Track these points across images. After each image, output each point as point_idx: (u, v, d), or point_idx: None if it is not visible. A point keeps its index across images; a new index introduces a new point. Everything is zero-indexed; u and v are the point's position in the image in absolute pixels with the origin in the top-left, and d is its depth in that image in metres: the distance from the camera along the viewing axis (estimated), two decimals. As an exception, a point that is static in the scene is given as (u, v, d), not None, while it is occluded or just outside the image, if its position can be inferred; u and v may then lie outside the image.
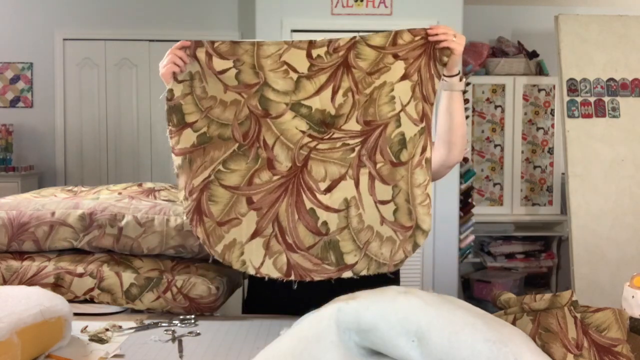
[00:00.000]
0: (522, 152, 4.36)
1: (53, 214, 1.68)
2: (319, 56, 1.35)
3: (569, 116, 3.72)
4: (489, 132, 4.36)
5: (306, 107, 1.36)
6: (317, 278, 1.33)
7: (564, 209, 4.16)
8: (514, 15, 4.70)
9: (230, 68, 1.37)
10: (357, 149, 1.36)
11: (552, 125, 4.36)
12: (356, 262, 1.33)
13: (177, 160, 1.36)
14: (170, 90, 1.37)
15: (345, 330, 0.98)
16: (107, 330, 1.41)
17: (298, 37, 3.74)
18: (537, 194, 4.39)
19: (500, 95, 4.34)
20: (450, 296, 1.08)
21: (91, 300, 1.63)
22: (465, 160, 4.03)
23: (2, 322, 1.10)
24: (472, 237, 4.04)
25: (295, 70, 1.36)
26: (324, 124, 1.36)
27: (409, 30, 1.37)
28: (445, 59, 1.38)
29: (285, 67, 1.35)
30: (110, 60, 4.68)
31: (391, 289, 1.04)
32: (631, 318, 1.17)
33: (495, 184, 4.38)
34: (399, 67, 1.36)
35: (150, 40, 4.67)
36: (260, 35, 3.78)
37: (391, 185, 1.36)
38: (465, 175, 4.01)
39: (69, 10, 4.63)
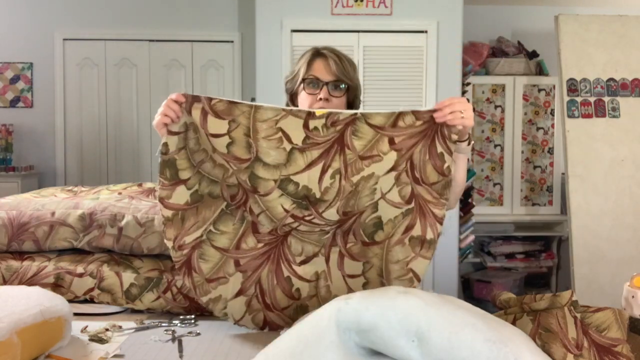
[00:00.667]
0: (522, 152, 4.36)
1: (53, 214, 1.68)
2: (315, 128, 1.35)
3: (569, 116, 3.72)
4: (489, 132, 4.36)
5: (294, 184, 1.37)
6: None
7: (564, 209, 4.16)
8: (514, 15, 4.70)
9: (223, 135, 1.36)
10: (331, 232, 1.44)
11: (552, 125, 4.35)
12: None
13: (166, 213, 1.38)
14: (165, 144, 1.37)
15: (345, 330, 0.98)
16: (107, 330, 1.41)
17: (298, 37, 3.74)
18: (537, 194, 4.39)
19: (500, 95, 4.34)
20: (450, 296, 1.08)
21: (91, 300, 1.63)
22: (465, 160, 4.03)
23: (2, 322, 1.10)
24: (472, 237, 4.04)
25: (289, 141, 1.35)
26: (308, 200, 1.38)
27: (413, 113, 1.36)
28: (454, 136, 1.39)
29: (280, 134, 1.35)
30: (110, 60, 4.68)
31: (391, 289, 1.04)
32: (631, 318, 1.17)
33: (495, 184, 4.38)
34: (390, 159, 1.37)
35: (150, 40, 4.67)
36: (260, 36, 3.78)
37: (362, 262, 1.44)
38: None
39: (69, 10, 4.63)
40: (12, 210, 1.69)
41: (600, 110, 3.72)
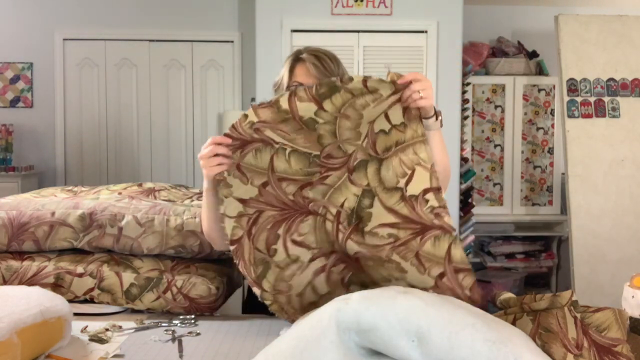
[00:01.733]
0: (522, 152, 4.36)
1: (53, 214, 1.68)
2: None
3: (569, 116, 3.72)
4: (489, 132, 4.36)
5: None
6: None
7: (564, 209, 4.16)
8: (514, 15, 4.70)
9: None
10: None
11: (552, 125, 4.36)
12: None
13: (284, 103, 1.31)
14: (351, 78, 1.36)
15: (345, 330, 0.98)
16: (107, 330, 1.41)
17: (298, 37, 3.74)
18: (537, 194, 4.39)
19: (500, 95, 4.34)
20: (450, 296, 1.08)
21: (91, 300, 1.63)
22: (465, 160, 4.04)
23: (2, 322, 1.10)
24: (472, 237, 4.04)
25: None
26: (357, 217, 1.38)
27: (380, 80, 1.36)
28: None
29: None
30: (110, 60, 4.68)
31: (391, 289, 1.04)
32: (631, 318, 1.17)
33: (495, 184, 4.38)
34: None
35: (150, 40, 4.67)
36: (260, 36, 3.78)
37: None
38: (465, 175, 4.01)
39: (69, 10, 4.63)
40: (12, 210, 1.69)
41: (600, 110, 3.72)
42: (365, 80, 1.35)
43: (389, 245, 1.31)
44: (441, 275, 1.29)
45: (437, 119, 1.42)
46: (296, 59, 1.64)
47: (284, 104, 1.31)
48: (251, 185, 1.34)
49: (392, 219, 1.32)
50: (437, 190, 1.31)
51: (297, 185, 1.34)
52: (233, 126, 1.32)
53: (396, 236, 1.31)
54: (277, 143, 1.33)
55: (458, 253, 1.29)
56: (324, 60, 1.63)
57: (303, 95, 1.31)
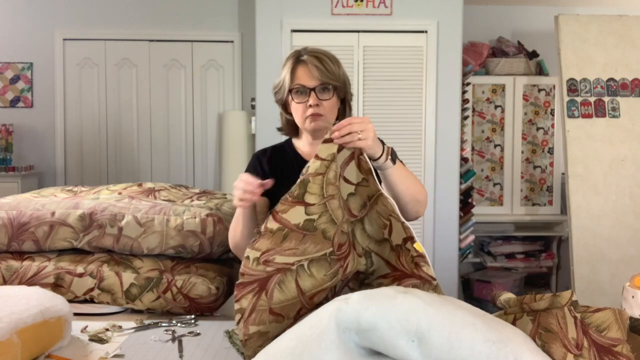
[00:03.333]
0: (522, 152, 4.37)
1: (53, 214, 1.68)
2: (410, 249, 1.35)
3: (569, 116, 3.72)
4: (489, 132, 4.36)
5: (370, 259, 1.38)
6: None
7: (564, 209, 4.16)
8: (514, 15, 4.70)
9: (353, 184, 1.35)
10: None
11: (552, 125, 4.36)
12: None
13: (271, 224, 1.27)
14: (308, 166, 1.32)
15: (345, 330, 0.98)
16: (107, 330, 1.41)
17: (298, 37, 3.75)
18: (537, 194, 4.39)
19: (500, 95, 4.34)
20: (450, 296, 1.08)
21: (91, 300, 1.63)
22: (465, 160, 4.04)
23: (2, 322, 1.10)
24: (472, 237, 4.04)
25: (390, 234, 1.36)
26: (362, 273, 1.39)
27: (324, 141, 1.33)
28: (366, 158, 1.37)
29: (388, 222, 1.36)
30: (110, 60, 4.68)
31: (391, 289, 1.04)
32: (631, 318, 1.17)
33: (495, 184, 4.38)
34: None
35: (150, 40, 4.67)
36: (260, 36, 3.78)
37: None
38: (465, 175, 4.02)
39: (69, 10, 4.63)
40: (12, 210, 1.69)
41: (600, 110, 3.72)
42: (317, 155, 1.32)
43: None
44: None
45: (387, 158, 1.42)
46: (297, 60, 1.63)
47: (273, 225, 1.28)
48: (287, 320, 1.29)
49: (386, 269, 1.35)
50: (412, 239, 1.33)
51: (327, 291, 1.33)
52: (242, 274, 1.26)
53: (381, 284, 1.33)
54: (293, 264, 1.28)
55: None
56: (325, 62, 1.62)
57: (285, 207, 1.29)
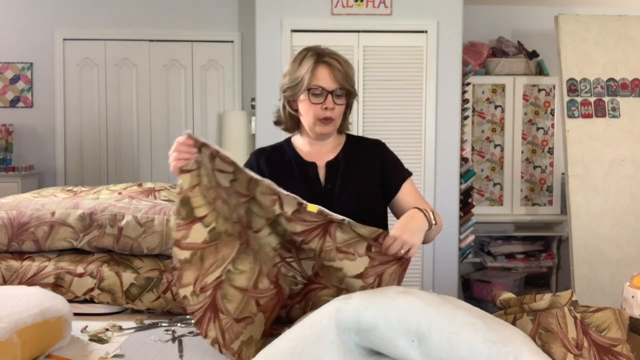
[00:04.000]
0: (522, 152, 4.37)
1: (53, 214, 1.68)
2: (306, 211, 1.35)
3: (569, 116, 3.72)
4: (489, 132, 4.36)
5: (283, 228, 1.37)
6: None
7: (564, 209, 4.16)
8: (514, 15, 4.70)
9: (228, 172, 1.35)
10: (299, 288, 1.44)
11: (552, 125, 4.36)
12: None
13: (182, 254, 1.28)
14: (180, 184, 1.33)
15: (345, 330, 0.98)
16: (107, 330, 1.41)
17: (298, 37, 3.75)
18: (537, 194, 4.39)
19: (500, 95, 4.34)
20: (450, 296, 1.08)
21: (91, 300, 1.63)
22: (465, 160, 4.04)
23: (2, 322, 1.10)
24: (472, 237, 4.04)
25: (281, 206, 1.35)
26: (293, 245, 1.40)
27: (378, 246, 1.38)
28: None
29: (276, 197, 1.35)
30: (110, 60, 4.68)
31: (391, 289, 1.04)
32: (631, 318, 1.17)
33: (495, 184, 4.38)
34: (361, 264, 1.36)
35: (150, 40, 4.67)
36: (260, 36, 3.78)
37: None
38: (465, 175, 4.02)
39: (69, 10, 4.63)
40: (12, 210, 1.69)
41: (600, 110, 3.72)
42: (182, 170, 1.37)
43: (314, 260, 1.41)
44: (368, 248, 1.36)
45: (430, 227, 1.47)
46: (318, 60, 1.62)
47: (184, 254, 1.29)
48: (257, 315, 1.36)
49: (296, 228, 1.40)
50: (302, 204, 1.36)
51: (263, 274, 1.39)
52: (192, 312, 1.30)
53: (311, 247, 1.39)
54: (221, 275, 1.33)
55: (364, 229, 1.36)
56: (345, 67, 1.64)
57: (183, 232, 1.31)
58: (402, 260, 1.38)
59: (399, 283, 1.40)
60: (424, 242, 1.50)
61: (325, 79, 1.61)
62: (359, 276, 1.36)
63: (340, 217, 1.35)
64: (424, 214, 1.45)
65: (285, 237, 1.39)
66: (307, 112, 1.63)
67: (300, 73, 1.63)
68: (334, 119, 1.63)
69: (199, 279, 1.28)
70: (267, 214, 1.37)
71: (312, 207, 1.34)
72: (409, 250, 1.36)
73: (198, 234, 1.30)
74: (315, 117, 1.61)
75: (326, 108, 1.60)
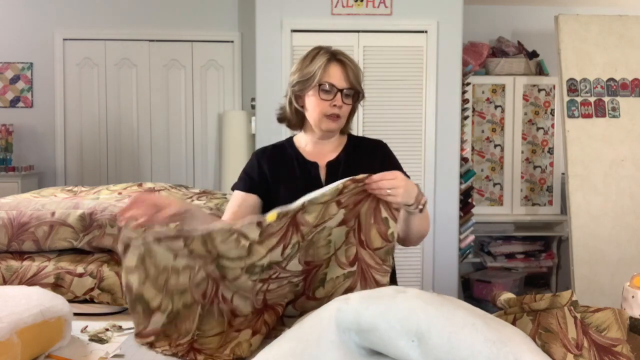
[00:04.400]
0: (522, 152, 4.37)
1: (53, 214, 1.68)
2: (269, 224, 1.33)
3: (569, 116, 3.72)
4: (489, 132, 4.36)
5: (259, 266, 1.36)
6: None
7: (564, 209, 4.16)
8: (514, 15, 4.70)
9: (181, 248, 1.34)
10: (301, 284, 1.43)
11: (552, 125, 4.36)
12: None
13: (148, 339, 1.32)
14: (129, 286, 1.32)
15: (345, 330, 0.98)
16: (107, 330, 1.41)
17: (298, 37, 3.75)
18: (537, 194, 4.39)
19: (500, 95, 4.34)
20: (450, 296, 1.08)
21: (91, 300, 1.63)
22: (465, 160, 4.04)
23: (2, 322, 1.10)
24: (472, 237, 4.04)
25: (246, 238, 1.33)
26: (273, 266, 1.39)
27: (352, 179, 1.37)
28: (395, 205, 1.40)
29: (235, 235, 1.33)
30: (110, 60, 4.68)
31: (391, 289, 1.04)
32: (631, 318, 1.17)
33: (495, 184, 4.38)
34: (339, 215, 1.38)
35: (150, 40, 4.67)
36: (260, 36, 3.78)
37: (299, 312, 1.44)
38: (465, 175, 4.02)
39: (69, 10, 4.63)
40: (12, 210, 1.69)
41: (600, 110, 3.72)
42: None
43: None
44: (338, 203, 1.36)
45: (417, 207, 1.45)
46: (331, 57, 1.63)
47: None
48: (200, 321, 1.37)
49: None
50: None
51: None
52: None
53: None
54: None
55: (326, 194, 1.35)
56: (356, 68, 1.66)
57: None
58: (372, 197, 1.38)
59: (376, 219, 1.39)
60: (404, 234, 1.53)
61: (337, 76, 1.62)
62: (342, 223, 1.38)
63: (298, 204, 1.34)
64: (418, 193, 1.45)
65: (263, 269, 1.37)
66: (314, 107, 1.63)
67: (312, 68, 1.63)
68: (340, 117, 1.63)
69: (171, 343, 1.31)
70: (239, 262, 1.34)
71: (271, 217, 1.33)
72: (390, 194, 1.36)
73: (157, 321, 1.33)
74: (322, 113, 1.62)
75: (334, 105, 1.61)
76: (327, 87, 1.61)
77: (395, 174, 1.38)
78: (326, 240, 1.39)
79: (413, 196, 1.41)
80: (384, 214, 1.38)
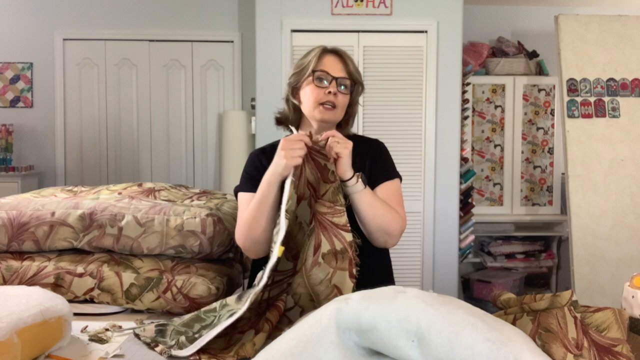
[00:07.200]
0: (522, 152, 4.37)
1: (53, 214, 1.68)
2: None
3: (569, 116, 3.72)
4: (489, 132, 4.36)
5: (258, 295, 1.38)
6: None
7: (564, 209, 4.16)
8: (514, 15, 4.70)
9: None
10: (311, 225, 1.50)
11: (552, 125, 4.36)
12: None
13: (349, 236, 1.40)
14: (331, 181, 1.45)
15: (345, 330, 0.98)
16: (107, 330, 1.41)
17: (298, 37, 3.75)
18: (537, 194, 4.39)
19: (500, 95, 4.34)
20: (450, 296, 1.08)
21: (91, 300, 1.63)
22: (465, 160, 4.04)
23: (2, 322, 1.10)
24: (472, 237, 4.04)
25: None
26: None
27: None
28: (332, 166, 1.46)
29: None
30: (110, 60, 4.68)
31: (391, 289, 1.04)
32: (631, 318, 1.17)
33: (495, 184, 4.38)
34: (294, 196, 1.43)
35: (150, 40, 4.67)
36: (260, 36, 3.78)
37: (290, 295, 1.43)
38: (465, 175, 4.02)
39: (69, 10, 4.63)
40: (12, 210, 1.69)
41: (600, 110, 3.72)
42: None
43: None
44: (325, 180, 1.45)
45: (357, 180, 1.49)
46: (326, 50, 1.65)
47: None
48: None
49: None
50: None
51: None
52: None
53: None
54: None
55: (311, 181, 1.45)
56: (352, 61, 1.67)
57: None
58: (307, 157, 1.45)
59: (319, 169, 1.46)
60: (361, 223, 1.54)
61: (331, 66, 1.62)
62: (299, 199, 1.43)
63: (283, 214, 1.39)
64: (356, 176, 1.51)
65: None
66: (308, 96, 1.62)
67: (306, 59, 1.64)
68: (336, 107, 1.62)
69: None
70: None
71: (280, 251, 1.34)
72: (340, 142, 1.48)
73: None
74: (317, 102, 1.60)
75: (329, 92, 1.60)
76: (321, 74, 1.60)
77: (334, 132, 1.51)
78: (297, 225, 1.43)
79: (352, 170, 1.49)
80: (321, 162, 1.45)
